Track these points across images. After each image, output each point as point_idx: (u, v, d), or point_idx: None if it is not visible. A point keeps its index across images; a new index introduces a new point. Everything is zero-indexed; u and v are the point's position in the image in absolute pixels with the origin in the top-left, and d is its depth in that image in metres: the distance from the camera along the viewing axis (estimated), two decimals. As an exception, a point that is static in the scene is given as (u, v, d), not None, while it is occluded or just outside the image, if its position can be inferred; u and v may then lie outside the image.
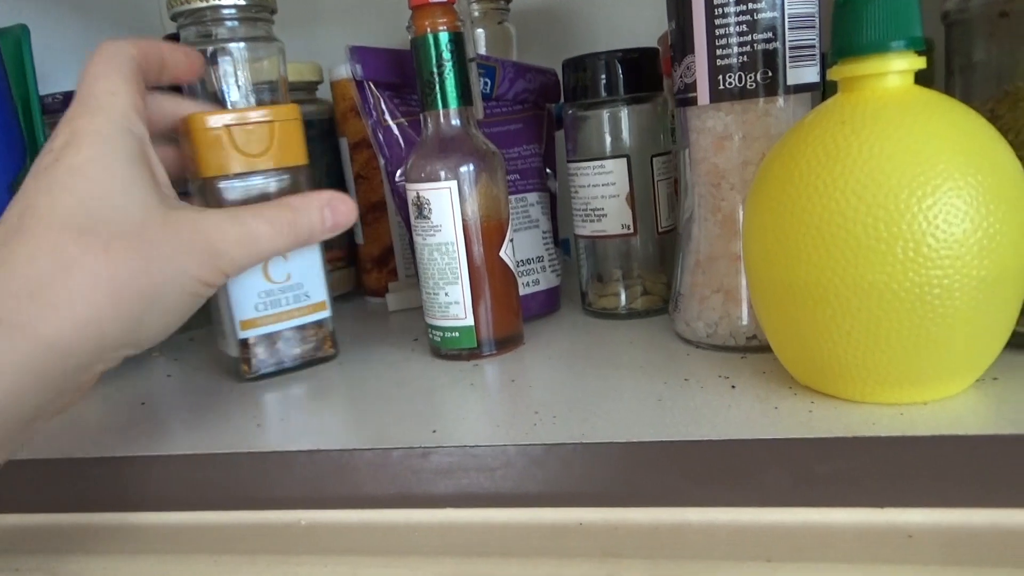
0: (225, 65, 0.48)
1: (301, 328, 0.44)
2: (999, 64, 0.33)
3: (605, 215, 0.46)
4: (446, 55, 0.40)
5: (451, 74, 0.41)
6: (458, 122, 0.42)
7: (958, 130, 0.27)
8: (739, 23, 0.35)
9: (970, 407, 0.29)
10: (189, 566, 0.31)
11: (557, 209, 0.58)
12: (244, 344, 0.42)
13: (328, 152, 0.62)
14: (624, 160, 0.45)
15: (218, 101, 0.49)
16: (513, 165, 0.49)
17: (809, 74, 0.36)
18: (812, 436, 0.28)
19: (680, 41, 0.37)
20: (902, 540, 0.27)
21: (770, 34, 0.35)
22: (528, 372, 0.39)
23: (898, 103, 0.28)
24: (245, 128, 0.40)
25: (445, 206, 0.41)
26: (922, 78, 0.30)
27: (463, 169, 0.41)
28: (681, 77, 0.38)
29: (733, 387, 0.34)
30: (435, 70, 0.40)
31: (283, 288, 0.42)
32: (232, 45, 0.48)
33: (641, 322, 0.46)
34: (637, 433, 0.30)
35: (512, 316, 0.44)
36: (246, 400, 0.40)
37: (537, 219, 0.50)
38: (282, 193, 0.42)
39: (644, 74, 0.45)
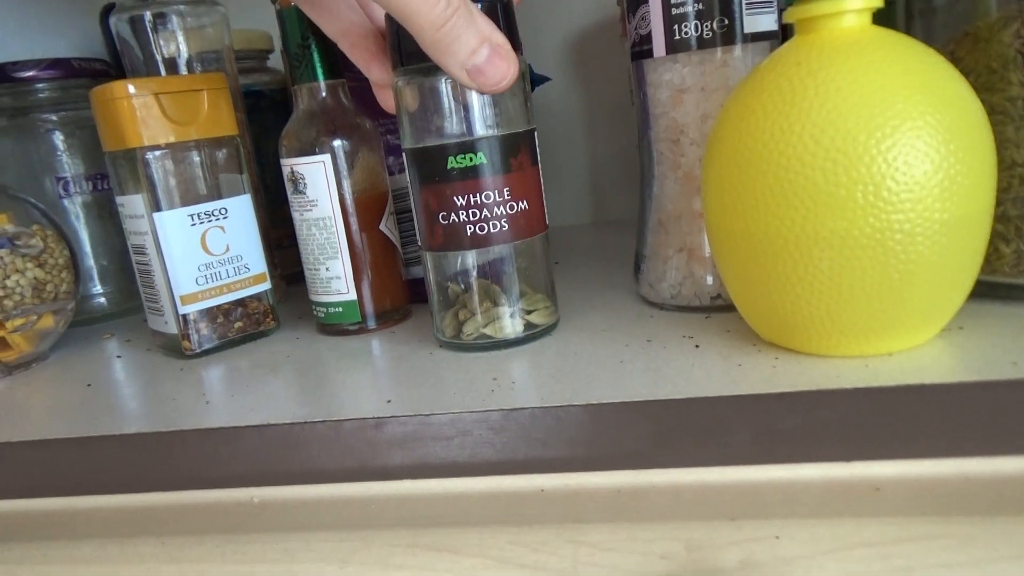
0: (164, 31, 0.46)
1: (241, 301, 0.42)
2: (959, 6, 0.32)
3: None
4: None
5: (319, 47, 0.39)
6: (330, 95, 0.41)
7: (917, 69, 0.26)
8: (694, -30, 0.34)
9: (935, 357, 0.28)
10: (134, 548, 0.29)
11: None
12: (184, 320, 0.40)
13: (280, 125, 0.60)
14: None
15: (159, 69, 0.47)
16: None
17: (766, 22, 0.35)
18: (775, 391, 0.27)
19: (634, -9, 0.36)
20: (870, 493, 0.26)
21: (726, -20, 0.34)
22: (488, 340, 0.38)
23: (855, 43, 0.27)
24: (173, 96, 0.38)
25: (320, 180, 0.40)
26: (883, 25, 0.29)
27: (336, 143, 0.40)
28: (636, 29, 0.36)
29: (697, 346, 0.33)
30: (302, 43, 0.39)
31: (222, 260, 0.41)
32: (171, 9, 0.46)
33: (605, 287, 0.45)
34: (597, 395, 0.29)
35: (396, 288, 0.43)
36: (192, 377, 0.38)
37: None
38: (212, 167, 0.41)
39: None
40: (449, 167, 0.33)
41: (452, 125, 0.33)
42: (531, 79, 0.61)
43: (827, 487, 0.27)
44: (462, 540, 0.27)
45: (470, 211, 0.34)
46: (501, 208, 0.34)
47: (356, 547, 0.28)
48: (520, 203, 0.34)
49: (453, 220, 0.34)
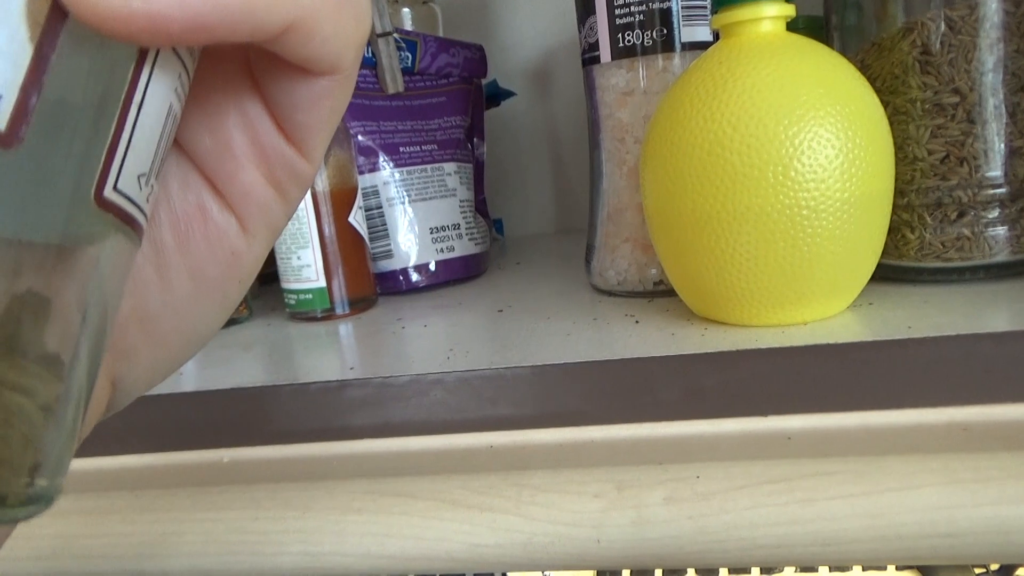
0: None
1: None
2: (867, 22, 0.36)
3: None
4: None
5: None
6: None
7: (822, 68, 0.30)
8: (636, -15, 0.38)
9: (844, 324, 0.32)
10: (109, 501, 0.31)
11: (484, 180, 0.60)
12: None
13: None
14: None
15: None
16: (432, 136, 0.51)
17: (701, 33, 0.38)
18: (701, 351, 0.30)
19: (583, 3, 0.40)
20: (782, 441, 0.29)
21: (665, -6, 0.37)
22: (443, 322, 0.41)
23: (769, 45, 0.31)
24: None
25: None
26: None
27: None
28: (585, 37, 0.40)
29: (637, 322, 0.36)
30: None
31: None
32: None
33: (560, 280, 0.48)
34: (544, 358, 0.32)
35: (363, 278, 0.46)
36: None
37: (454, 188, 0.51)
38: None
39: None
40: None
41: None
42: (497, 93, 0.64)
43: (745, 438, 0.29)
44: (417, 487, 0.30)
45: None
46: None
47: (318, 495, 0.30)
48: None
49: None
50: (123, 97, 0.12)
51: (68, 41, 0.11)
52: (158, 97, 0.13)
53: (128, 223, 0.12)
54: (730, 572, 0.83)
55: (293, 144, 0.15)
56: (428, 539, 0.28)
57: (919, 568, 0.79)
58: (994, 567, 0.78)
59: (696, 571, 0.80)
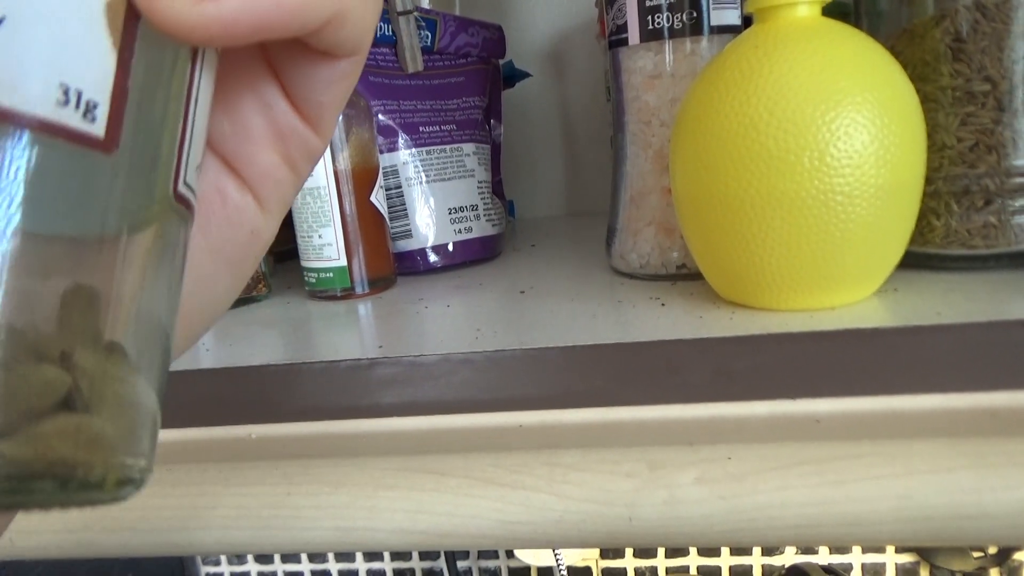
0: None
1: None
2: (897, 8, 0.36)
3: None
4: None
5: None
6: None
7: (859, 54, 0.30)
8: (666, -33, 0.37)
9: (873, 309, 0.32)
10: (141, 476, 0.32)
11: (501, 162, 0.60)
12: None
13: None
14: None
15: None
16: (451, 116, 0.51)
17: (731, 16, 0.38)
18: (731, 335, 0.31)
19: (612, -15, 0.39)
20: (811, 424, 0.29)
21: (695, -23, 0.37)
22: (465, 302, 0.41)
23: (806, 30, 0.31)
24: None
25: None
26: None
27: None
28: (613, 19, 0.40)
29: (663, 305, 0.36)
30: None
31: None
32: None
33: (579, 263, 0.48)
34: (573, 339, 0.32)
35: (383, 257, 0.46)
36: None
37: (472, 169, 0.51)
38: None
39: None
40: None
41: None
42: (513, 75, 0.64)
43: (774, 420, 0.30)
44: (448, 464, 0.30)
45: None
46: None
47: (350, 471, 0.30)
48: None
49: None
50: (185, 94, 0.12)
51: (142, 46, 0.11)
52: (205, 91, 0.13)
53: (190, 210, 0.13)
54: (731, 553, 0.84)
55: (308, 123, 0.16)
56: (460, 516, 0.29)
57: (918, 550, 0.80)
58: (992, 550, 0.79)
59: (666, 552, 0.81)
